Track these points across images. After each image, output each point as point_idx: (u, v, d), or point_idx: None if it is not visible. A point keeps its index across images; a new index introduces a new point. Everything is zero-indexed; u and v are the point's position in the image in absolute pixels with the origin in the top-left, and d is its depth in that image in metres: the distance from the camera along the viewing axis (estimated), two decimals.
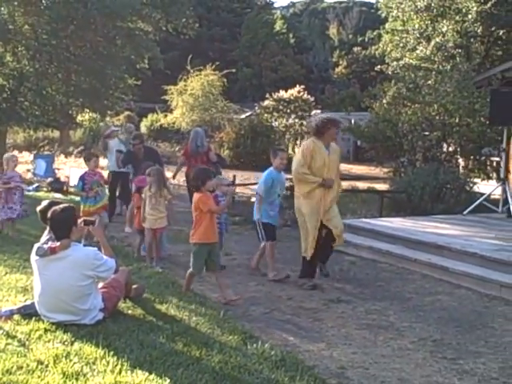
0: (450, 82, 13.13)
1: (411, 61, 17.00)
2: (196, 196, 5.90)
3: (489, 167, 14.26)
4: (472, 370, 4.36)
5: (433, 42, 18.38)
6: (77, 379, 3.76)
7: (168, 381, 3.78)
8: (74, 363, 3.98)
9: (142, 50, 20.28)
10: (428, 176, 11.14)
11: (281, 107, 26.33)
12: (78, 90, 19.71)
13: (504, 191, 10.55)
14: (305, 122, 25.56)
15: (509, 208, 10.05)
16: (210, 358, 4.20)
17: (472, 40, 19.80)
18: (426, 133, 13.02)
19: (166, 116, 28.98)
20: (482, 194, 10.93)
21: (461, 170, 13.40)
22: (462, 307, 5.97)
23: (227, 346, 4.45)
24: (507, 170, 14.44)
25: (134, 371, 3.89)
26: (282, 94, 27.40)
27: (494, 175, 13.59)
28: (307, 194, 6.48)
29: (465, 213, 10.08)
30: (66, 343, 4.36)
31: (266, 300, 5.97)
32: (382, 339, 4.92)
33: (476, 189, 12.14)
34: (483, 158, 13.93)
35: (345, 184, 14.44)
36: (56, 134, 29.29)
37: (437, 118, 12.97)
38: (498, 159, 13.24)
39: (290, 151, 26.40)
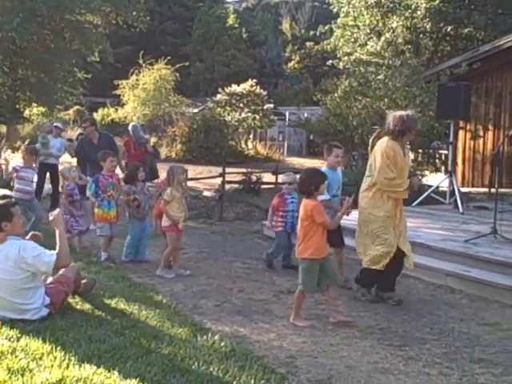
0: (399, 76, 13.34)
1: (362, 56, 17.19)
2: (308, 203, 5.14)
3: (437, 160, 14.62)
4: (417, 355, 4.47)
5: (383, 38, 18.65)
6: (22, 375, 3.70)
7: (116, 374, 3.76)
8: (20, 359, 3.92)
9: (92, 44, 19.95)
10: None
11: (234, 101, 26.33)
12: (24, 84, 19.27)
13: (451, 183, 10.82)
14: (257, 116, 25.65)
15: (456, 199, 10.31)
16: (160, 350, 4.20)
17: (421, 36, 20.14)
18: (377, 126, 13.20)
19: (116, 110, 28.63)
20: (431, 187, 11.20)
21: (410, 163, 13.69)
22: (410, 296, 6.11)
23: (177, 339, 4.45)
24: (455, 163, 14.85)
25: (82, 365, 3.85)
26: (235, 88, 27.40)
27: (443, 168, 13.94)
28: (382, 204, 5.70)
29: (413, 204, 10.29)
30: (11, 339, 4.29)
31: (216, 293, 5.98)
32: (331, 328, 4.99)
33: (425, 181, 12.44)
34: (432, 151, 14.26)
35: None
36: (3, 128, 28.59)
37: (387, 111, 13.15)
38: (446, 152, 13.57)
39: (243, 145, 26.48)
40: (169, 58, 27.45)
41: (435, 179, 12.10)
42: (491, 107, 14.75)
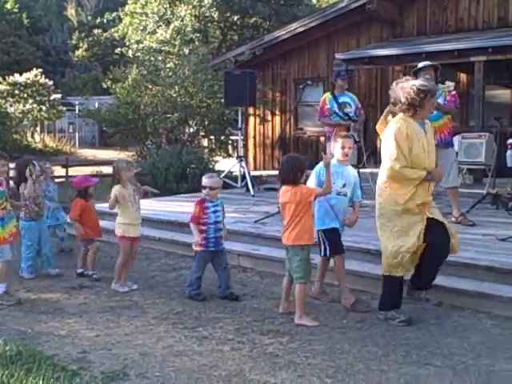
0: (188, 64, 13.52)
1: (151, 44, 17.16)
2: (294, 190, 4.82)
3: (230, 146, 15.12)
4: (211, 334, 4.60)
5: (172, 26, 18.77)
6: None
7: None
8: None
9: None
10: (172, 157, 11.43)
11: (17, 92, 24.69)
12: None
13: (242, 168, 11.24)
14: (44, 108, 24.31)
15: (247, 183, 10.75)
16: None
17: (209, 25, 20.64)
18: (169, 115, 13.29)
19: None
20: (223, 172, 11.55)
21: (205, 150, 14.01)
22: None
23: None
24: (246, 148, 15.47)
25: None
26: (17, 77, 25.69)
27: (235, 153, 14.47)
28: (407, 198, 4.68)
29: None
30: None
31: None
32: (126, 319, 4.94)
33: (218, 167, 12.80)
34: (224, 137, 14.70)
35: (89, 169, 14.26)
36: None
37: (178, 99, 13.31)
38: (237, 138, 14.09)
39: (30, 138, 24.99)
40: None
41: (228, 164, 12.49)
42: (277, 93, 15.59)
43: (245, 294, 5.69)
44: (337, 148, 5.28)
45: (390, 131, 4.65)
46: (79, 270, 6.37)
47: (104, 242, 7.23)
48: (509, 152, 8.93)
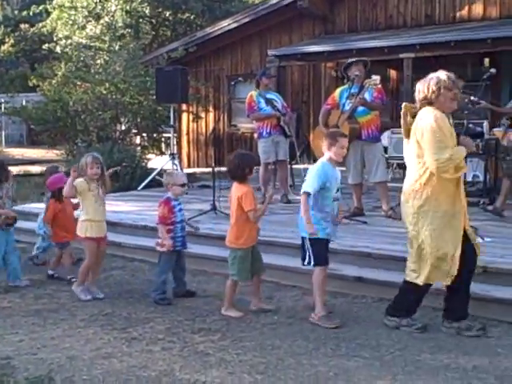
0: (119, 61, 13.29)
1: (81, 39, 16.76)
2: (240, 188, 4.83)
3: (163, 143, 14.96)
4: (141, 335, 4.52)
5: (102, 21, 18.38)
6: None
7: None
8: None
9: None
10: (102, 155, 11.09)
11: None
12: None
13: (174, 165, 11.13)
14: None
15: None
16: None
17: (141, 20, 20.32)
18: (100, 112, 13.02)
19: None
20: (155, 170, 11.42)
21: (137, 148, 13.81)
22: (135, 279, 6.16)
23: None
24: (179, 146, 15.35)
25: None
26: None
27: (169, 151, 14.32)
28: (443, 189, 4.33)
29: (139, 188, 10.39)
30: None
31: None
32: (52, 322, 4.80)
33: (151, 165, 12.64)
34: (156, 134, 14.53)
35: (17, 169, 13.82)
36: None
37: (109, 96, 13.05)
38: (170, 135, 13.96)
39: None
40: None
41: (161, 162, 12.35)
42: (211, 90, 15.52)
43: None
44: (336, 148, 4.75)
45: (430, 121, 4.26)
46: (50, 272, 6.16)
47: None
48: None
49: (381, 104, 7.42)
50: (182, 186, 5.44)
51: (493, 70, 7.33)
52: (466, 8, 12.27)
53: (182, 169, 11.04)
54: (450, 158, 4.20)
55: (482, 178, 8.29)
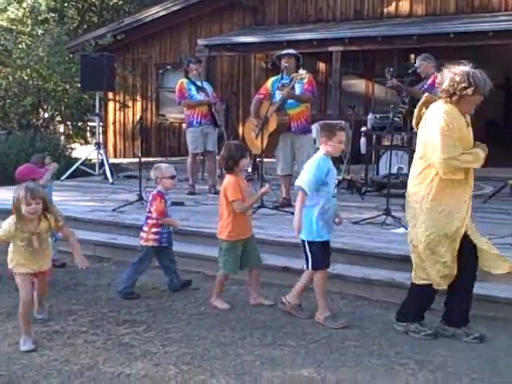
0: (42, 46, 12.81)
1: (1, 22, 16.05)
2: (226, 178, 4.83)
3: (88, 132, 14.59)
4: (62, 328, 4.39)
5: (25, 4, 17.66)
6: None
7: None
8: None
9: None
10: (23, 144, 10.80)
11: None
12: None
13: (100, 155, 10.87)
14: None
15: (105, 171, 10.43)
16: None
17: (66, 4, 19.68)
18: (21, 99, 12.53)
19: None
20: (80, 159, 11.12)
21: (61, 137, 13.40)
22: (57, 270, 5.92)
23: None
24: (105, 135, 15.01)
25: None
26: None
27: (94, 140, 13.97)
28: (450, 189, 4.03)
29: (62, 178, 10.09)
30: None
31: None
32: None
33: (75, 154, 12.30)
34: (82, 123, 14.15)
35: None
36: None
37: (30, 83, 12.59)
38: (95, 124, 13.61)
39: None
40: None
41: (86, 152, 12.04)
42: (138, 78, 15.24)
43: (100, 285, 5.50)
44: (334, 142, 4.43)
45: (440, 117, 3.95)
46: None
47: None
48: (362, 139, 9.35)
49: (310, 96, 7.47)
50: (172, 178, 5.21)
51: (417, 65, 7.53)
52: (394, 4, 12.55)
53: (107, 158, 10.77)
54: (455, 158, 3.91)
55: (406, 170, 8.48)
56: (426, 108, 4.12)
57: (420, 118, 4.17)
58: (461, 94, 3.90)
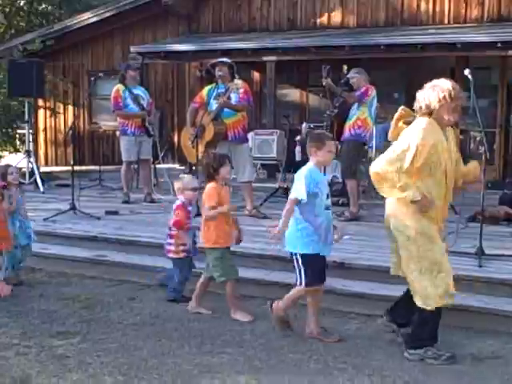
0: None
1: None
2: (206, 187, 4.83)
3: (18, 140, 14.18)
4: None
5: None
6: None
7: None
8: None
9: None
10: None
11: None
12: None
13: (30, 163, 10.56)
14: None
15: (35, 179, 10.16)
16: None
17: None
18: None
19: None
20: None
21: None
22: None
23: None
24: (36, 143, 14.59)
25: None
26: None
27: (24, 148, 13.57)
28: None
29: None
30: None
31: None
32: None
33: (4, 162, 11.92)
34: (10, 130, 13.74)
35: None
36: None
37: None
38: (25, 132, 13.22)
39: None
40: None
41: (16, 160, 11.68)
42: (69, 85, 14.91)
43: (33, 296, 5.33)
44: (323, 151, 4.26)
45: (413, 134, 3.86)
46: None
47: None
48: (297, 148, 9.47)
49: (246, 104, 7.51)
50: (194, 190, 5.14)
51: (350, 76, 7.68)
52: (326, 15, 12.76)
53: (38, 167, 10.49)
54: (392, 172, 3.82)
55: (340, 179, 8.63)
56: (404, 123, 4.05)
57: (397, 132, 4.08)
58: (441, 105, 3.84)
